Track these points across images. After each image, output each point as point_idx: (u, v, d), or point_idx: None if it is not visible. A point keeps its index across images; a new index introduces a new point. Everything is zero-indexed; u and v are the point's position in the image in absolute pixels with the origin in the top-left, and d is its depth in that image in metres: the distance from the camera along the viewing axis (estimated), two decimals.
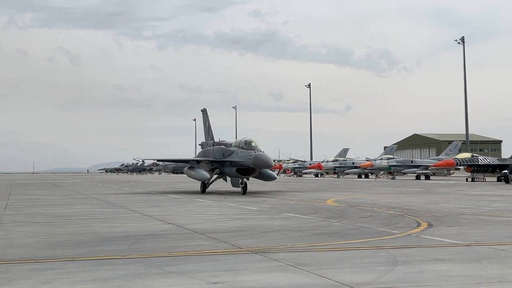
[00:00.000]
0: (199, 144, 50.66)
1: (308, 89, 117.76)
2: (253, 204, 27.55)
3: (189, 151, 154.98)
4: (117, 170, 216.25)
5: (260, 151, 38.71)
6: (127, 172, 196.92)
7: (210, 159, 43.11)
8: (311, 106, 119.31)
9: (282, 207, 25.73)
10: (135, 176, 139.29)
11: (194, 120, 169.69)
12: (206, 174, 41.55)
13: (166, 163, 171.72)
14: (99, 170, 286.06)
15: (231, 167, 40.02)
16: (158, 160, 73.52)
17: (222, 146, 43.00)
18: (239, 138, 42.43)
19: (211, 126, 50.02)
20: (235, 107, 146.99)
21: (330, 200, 30.26)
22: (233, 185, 40.28)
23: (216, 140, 48.34)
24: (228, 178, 42.28)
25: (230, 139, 48.78)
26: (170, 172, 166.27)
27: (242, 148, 39.82)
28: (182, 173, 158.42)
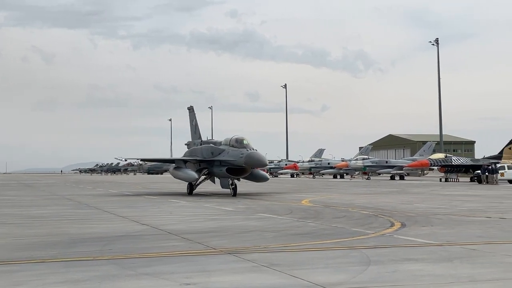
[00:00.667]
0: (185, 144, 48.12)
1: (284, 89, 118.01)
2: (228, 205, 27.50)
3: (165, 152, 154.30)
4: (91, 171, 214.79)
5: (253, 149, 36.45)
6: (101, 173, 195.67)
7: (198, 158, 40.78)
8: (287, 107, 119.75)
9: (257, 207, 25.73)
10: (110, 177, 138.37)
11: (170, 120, 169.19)
12: (193, 174, 38.73)
13: (145, 163, 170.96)
14: (73, 170, 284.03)
15: (221, 166, 37.56)
16: (142, 160, 66.66)
17: (211, 145, 40.64)
18: (229, 136, 38.98)
19: (198, 124, 47.26)
20: (211, 108, 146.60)
21: (305, 200, 30.33)
22: (223, 186, 37.89)
23: (204, 139, 45.59)
24: (217, 179, 40.09)
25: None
26: (145, 172, 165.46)
27: (233, 146, 37.37)
28: (157, 173, 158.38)
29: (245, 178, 38.58)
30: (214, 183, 41.52)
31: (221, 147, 39.11)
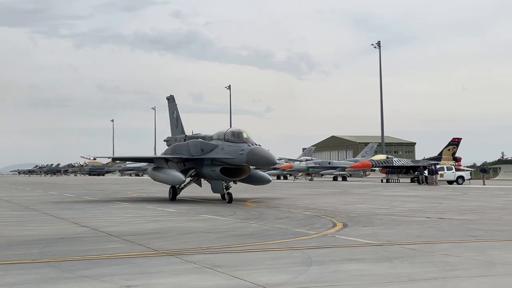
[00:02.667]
0: (164, 140, 40.10)
1: (229, 90, 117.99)
2: (171, 206, 27.29)
3: (108, 153, 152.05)
4: (30, 172, 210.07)
5: (255, 144, 29.07)
6: (40, 174, 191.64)
7: (183, 156, 33.13)
8: (231, 108, 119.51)
9: (200, 208, 25.62)
10: (50, 178, 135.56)
11: (112, 121, 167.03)
12: (179, 175, 31.44)
13: (85, 163, 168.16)
14: (12, 171, 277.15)
15: (213, 166, 30.32)
16: (114, 159, 56.16)
17: (200, 140, 32.43)
18: (222, 129, 31.54)
19: (180, 116, 39.18)
20: (154, 108, 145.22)
21: (248, 201, 30.36)
22: (215, 191, 30.92)
23: (188, 133, 36.69)
24: (204, 182, 34.45)
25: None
26: (86, 174, 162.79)
27: (228, 141, 29.86)
28: (99, 174, 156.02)
29: (243, 180, 31.56)
30: (201, 186, 36.44)
31: (212, 142, 31.34)
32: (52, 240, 14.55)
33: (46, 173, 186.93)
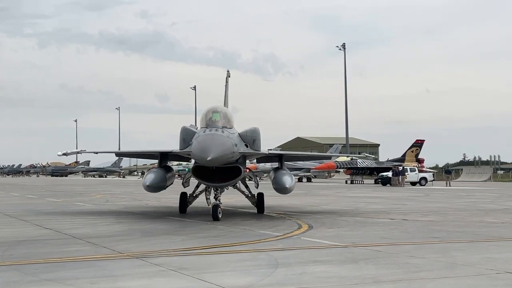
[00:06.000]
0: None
1: (194, 91, 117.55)
2: (135, 208, 27.10)
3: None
4: None
5: (219, 128, 19.26)
6: (1, 174, 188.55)
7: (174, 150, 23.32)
8: (196, 109, 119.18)
9: (165, 210, 25.48)
10: (11, 179, 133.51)
11: (75, 121, 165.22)
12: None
13: (48, 164, 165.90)
14: None
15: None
16: (118, 154, 39.96)
17: (184, 127, 21.07)
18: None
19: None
20: (118, 108, 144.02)
21: None
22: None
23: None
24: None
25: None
26: (49, 175, 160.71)
27: (204, 126, 20.16)
28: (62, 176, 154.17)
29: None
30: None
31: (197, 130, 21.10)
32: (14, 243, 14.30)
33: (8, 173, 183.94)
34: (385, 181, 61.64)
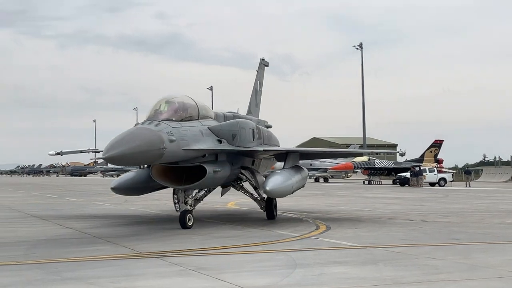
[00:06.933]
0: None
1: (211, 91, 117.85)
2: (153, 207, 27.24)
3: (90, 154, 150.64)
4: (12, 172, 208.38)
5: (164, 121, 16.94)
6: (22, 174, 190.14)
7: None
8: (213, 109, 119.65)
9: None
10: (32, 179, 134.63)
11: (94, 121, 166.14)
12: None
13: (68, 164, 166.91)
14: None
15: None
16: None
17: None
18: None
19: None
20: (136, 109, 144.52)
21: (231, 203, 30.36)
22: None
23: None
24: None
25: None
26: (68, 174, 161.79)
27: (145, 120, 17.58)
28: (80, 175, 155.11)
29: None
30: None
31: None
32: (37, 242, 14.48)
33: (28, 173, 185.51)
34: (403, 182, 61.32)
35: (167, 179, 17.99)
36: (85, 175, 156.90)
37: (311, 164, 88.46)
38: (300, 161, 22.12)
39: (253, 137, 20.33)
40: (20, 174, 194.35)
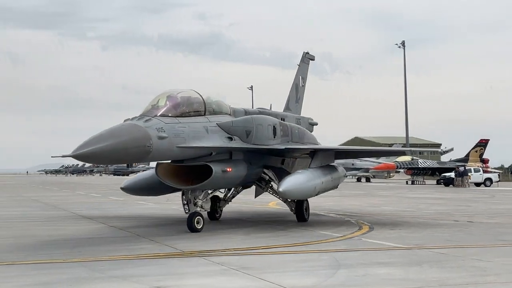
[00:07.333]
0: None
1: (251, 91, 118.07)
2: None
3: None
4: (57, 172, 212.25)
5: (158, 116, 15.91)
6: (66, 174, 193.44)
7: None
8: (253, 107, 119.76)
9: (225, 209, 25.61)
10: (75, 178, 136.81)
11: None
12: None
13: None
14: (39, 171, 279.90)
15: None
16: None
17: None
18: None
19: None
20: None
21: (272, 203, 30.29)
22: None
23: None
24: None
25: None
26: (111, 174, 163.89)
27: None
28: (123, 175, 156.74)
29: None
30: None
31: None
32: (81, 240, 14.71)
33: (72, 173, 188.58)
34: (448, 182, 60.38)
35: (174, 178, 16.99)
36: (127, 175, 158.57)
37: (353, 164, 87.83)
38: (341, 161, 21.56)
39: (274, 134, 19.01)
40: (64, 174, 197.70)
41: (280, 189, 16.93)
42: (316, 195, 18.92)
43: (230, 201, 20.97)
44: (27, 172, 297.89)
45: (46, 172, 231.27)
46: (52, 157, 18.15)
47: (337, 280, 9.53)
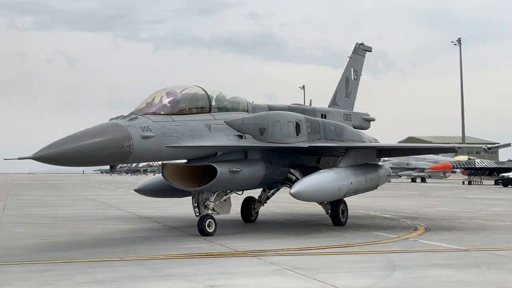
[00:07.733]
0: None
1: (302, 90, 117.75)
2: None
3: None
4: (111, 171, 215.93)
5: (149, 114, 15.04)
6: (121, 173, 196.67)
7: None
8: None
9: (277, 210, 25.60)
10: (130, 177, 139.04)
11: None
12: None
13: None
14: (94, 171, 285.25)
15: None
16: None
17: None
18: None
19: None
20: None
21: None
22: None
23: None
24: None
25: None
26: None
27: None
28: None
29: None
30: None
31: None
32: (137, 239, 14.92)
33: (127, 172, 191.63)
34: (507, 182, 58.88)
35: (181, 180, 16.11)
36: None
37: (407, 164, 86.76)
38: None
39: (298, 131, 17.73)
40: (119, 173, 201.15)
41: (291, 191, 15.62)
42: (344, 197, 17.57)
43: (265, 202, 19.96)
44: (83, 171, 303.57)
45: (102, 172, 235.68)
46: (4, 159, 16.63)
47: (392, 282, 9.38)
